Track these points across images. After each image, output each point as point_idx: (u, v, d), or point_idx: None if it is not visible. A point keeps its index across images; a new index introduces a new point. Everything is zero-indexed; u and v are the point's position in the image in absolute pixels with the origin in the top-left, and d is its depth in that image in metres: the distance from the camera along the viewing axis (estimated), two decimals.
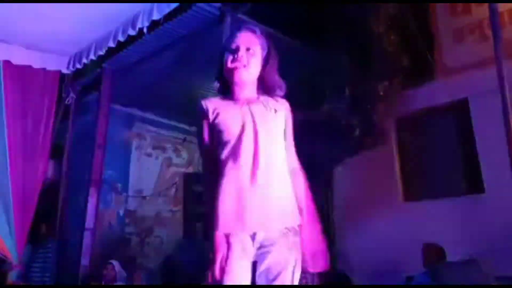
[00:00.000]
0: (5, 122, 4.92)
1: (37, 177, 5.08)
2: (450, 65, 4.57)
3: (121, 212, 6.24)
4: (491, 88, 3.56)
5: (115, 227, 6.12)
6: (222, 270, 1.51)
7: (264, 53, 1.68)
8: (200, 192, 7.19)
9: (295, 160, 1.71)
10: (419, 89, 4.64)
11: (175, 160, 7.09)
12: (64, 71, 5.30)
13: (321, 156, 4.31)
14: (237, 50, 1.64)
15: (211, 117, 1.62)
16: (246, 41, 1.66)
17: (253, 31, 1.70)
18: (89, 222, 4.98)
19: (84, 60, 5.01)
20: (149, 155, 6.78)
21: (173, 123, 7.10)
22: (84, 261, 4.84)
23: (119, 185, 6.26)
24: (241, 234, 1.55)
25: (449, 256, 3.66)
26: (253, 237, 1.56)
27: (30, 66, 5.04)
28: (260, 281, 1.56)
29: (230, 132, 1.58)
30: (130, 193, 6.36)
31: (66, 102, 5.59)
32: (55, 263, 5.15)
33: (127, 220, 6.28)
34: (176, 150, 7.11)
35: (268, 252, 1.56)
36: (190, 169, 7.13)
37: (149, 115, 6.80)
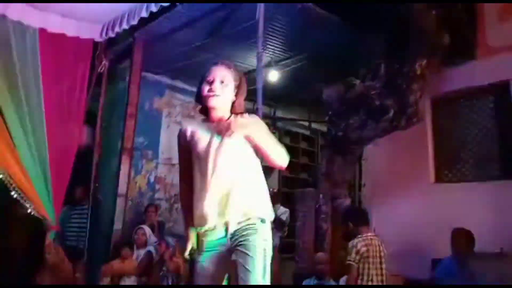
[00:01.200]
0: (41, 88, 5.04)
1: (72, 141, 5.23)
2: (492, 45, 4.36)
3: (152, 179, 6.41)
4: None
5: (145, 193, 6.30)
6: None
7: (236, 84, 2.05)
8: None
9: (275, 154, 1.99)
10: (458, 69, 4.48)
11: None
12: (97, 39, 5.34)
13: (353, 133, 4.28)
14: (212, 81, 2.01)
15: (188, 136, 2.05)
16: (221, 74, 2.02)
17: (228, 66, 2.06)
18: (122, 188, 5.16)
19: (117, 29, 5.02)
20: (179, 123, 6.85)
21: None
22: (117, 225, 5.05)
23: (150, 152, 6.40)
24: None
25: (479, 243, 3.62)
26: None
27: (64, 34, 5.10)
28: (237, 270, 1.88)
29: (199, 146, 2.00)
30: (160, 160, 6.49)
31: (99, 69, 5.65)
32: (89, 225, 5.39)
33: (157, 186, 6.46)
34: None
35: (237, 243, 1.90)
36: None
37: (179, 84, 6.82)
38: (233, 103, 2.05)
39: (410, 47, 4.20)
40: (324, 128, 6.50)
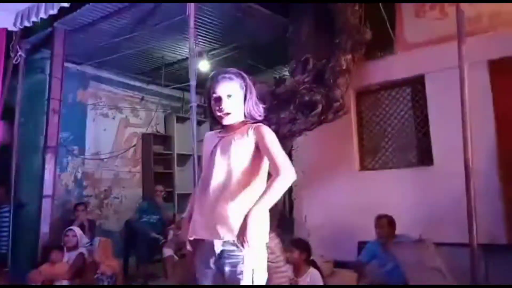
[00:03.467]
0: None
1: None
2: (409, 40, 4.69)
3: (79, 175, 6.12)
4: (447, 65, 3.78)
5: (72, 191, 6.02)
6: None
7: (243, 91, 2.04)
8: (159, 153, 7.19)
9: (278, 165, 1.85)
10: (378, 63, 4.78)
11: (133, 120, 6.94)
12: (11, 28, 4.93)
13: (285, 127, 4.41)
14: (219, 99, 1.99)
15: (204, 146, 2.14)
16: (226, 89, 2.00)
17: (230, 78, 2.02)
18: (47, 189, 4.88)
19: (34, 18, 4.66)
20: (106, 115, 6.58)
21: (129, 82, 6.88)
22: (44, 228, 4.79)
23: (76, 147, 6.09)
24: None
25: (399, 223, 3.96)
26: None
27: None
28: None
29: (205, 156, 2.07)
30: (87, 155, 6.21)
31: (14, 61, 5.23)
32: (12, 229, 5.06)
33: (85, 183, 6.19)
34: (133, 110, 6.94)
35: (224, 262, 1.88)
36: (149, 130, 7.03)
37: (104, 74, 6.53)
38: (244, 107, 2.03)
39: (336, 42, 4.39)
40: None
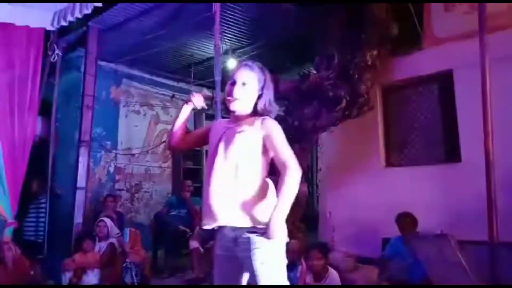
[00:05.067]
0: None
1: (27, 133, 5.10)
2: (438, 34, 4.61)
3: (111, 169, 6.36)
4: (476, 60, 3.69)
5: (105, 184, 6.26)
6: None
7: (260, 85, 2.04)
8: (188, 149, 7.35)
9: (285, 160, 1.88)
10: (406, 58, 4.72)
11: (163, 117, 7.12)
12: (49, 28, 5.20)
13: (309, 122, 4.44)
14: (234, 84, 2.02)
15: (211, 129, 2.16)
16: (243, 76, 2.03)
17: (251, 68, 2.06)
18: (81, 181, 5.11)
19: (70, 18, 4.91)
20: (137, 112, 6.80)
21: (160, 80, 7.07)
22: (78, 218, 5.02)
23: (108, 142, 6.33)
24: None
25: (424, 220, 3.92)
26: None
27: (13, 24, 4.93)
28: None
29: (211, 145, 2.06)
30: (119, 150, 6.44)
31: (51, 59, 5.51)
32: (48, 219, 5.32)
33: (117, 177, 6.42)
34: (164, 108, 7.13)
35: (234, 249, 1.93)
36: None
37: (136, 72, 6.74)
38: (257, 102, 2.03)
39: (362, 37, 4.38)
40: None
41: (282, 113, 5.06)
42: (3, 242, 4.48)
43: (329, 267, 3.63)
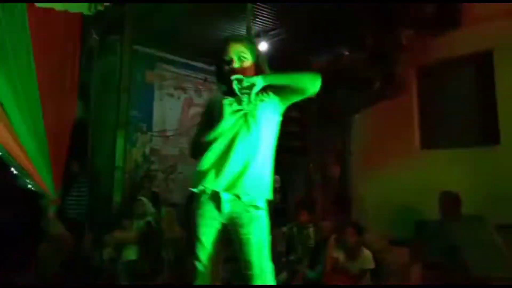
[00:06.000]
0: (33, 64, 5.06)
1: (68, 115, 5.34)
2: (477, 12, 4.43)
3: (147, 151, 6.54)
4: None
5: (141, 165, 6.45)
6: None
7: (255, 54, 2.03)
8: None
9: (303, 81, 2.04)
10: (442, 38, 4.58)
11: (196, 100, 7.21)
12: (86, 12, 5.34)
13: (341, 103, 4.42)
14: (231, 61, 1.97)
15: (212, 106, 2.10)
16: (238, 51, 1.99)
17: (241, 41, 2.04)
18: (118, 161, 5.29)
19: (106, 3, 5.03)
20: (171, 95, 6.92)
21: (193, 63, 7.15)
22: (116, 197, 5.22)
23: (144, 125, 6.49)
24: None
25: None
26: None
27: (52, 9, 5.10)
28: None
29: (221, 117, 1.98)
30: (154, 132, 6.61)
31: (89, 43, 5.67)
32: (88, 198, 5.55)
33: (152, 158, 6.60)
34: (197, 91, 7.23)
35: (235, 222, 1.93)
36: None
37: (170, 56, 6.83)
38: (256, 72, 1.99)
39: (396, 17, 4.28)
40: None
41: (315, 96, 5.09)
42: (48, 219, 4.73)
43: (363, 247, 3.65)
